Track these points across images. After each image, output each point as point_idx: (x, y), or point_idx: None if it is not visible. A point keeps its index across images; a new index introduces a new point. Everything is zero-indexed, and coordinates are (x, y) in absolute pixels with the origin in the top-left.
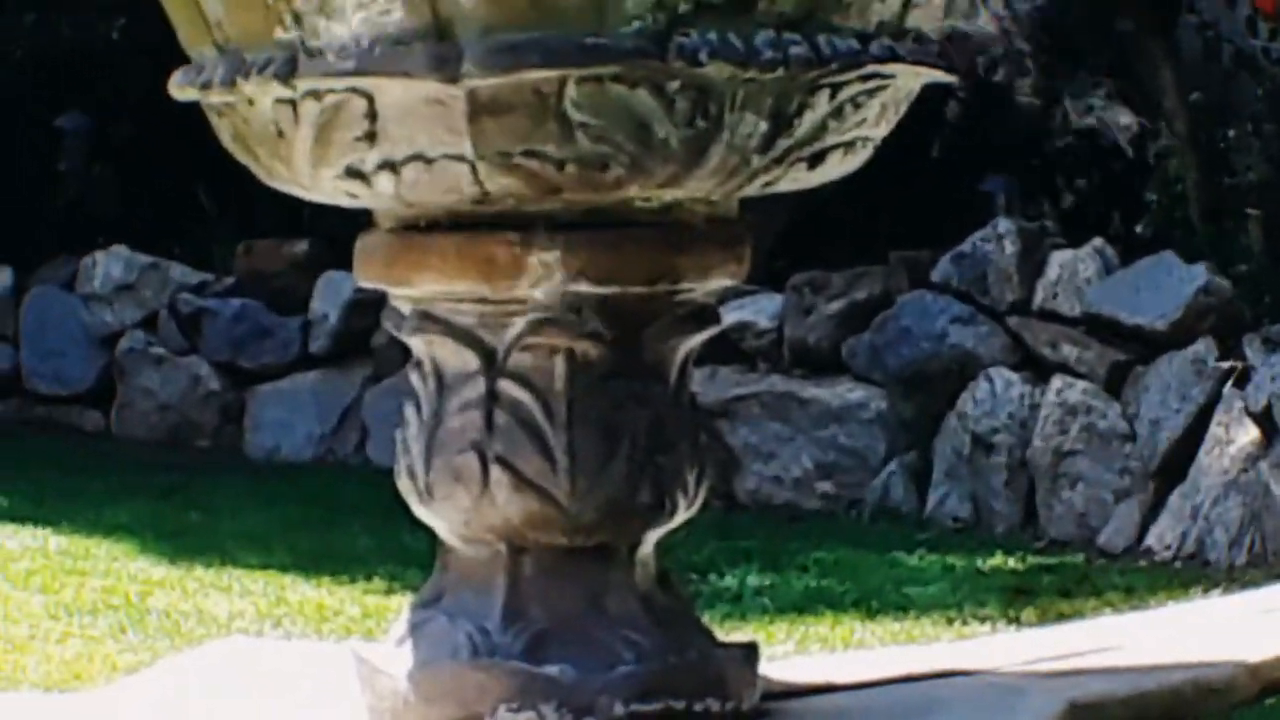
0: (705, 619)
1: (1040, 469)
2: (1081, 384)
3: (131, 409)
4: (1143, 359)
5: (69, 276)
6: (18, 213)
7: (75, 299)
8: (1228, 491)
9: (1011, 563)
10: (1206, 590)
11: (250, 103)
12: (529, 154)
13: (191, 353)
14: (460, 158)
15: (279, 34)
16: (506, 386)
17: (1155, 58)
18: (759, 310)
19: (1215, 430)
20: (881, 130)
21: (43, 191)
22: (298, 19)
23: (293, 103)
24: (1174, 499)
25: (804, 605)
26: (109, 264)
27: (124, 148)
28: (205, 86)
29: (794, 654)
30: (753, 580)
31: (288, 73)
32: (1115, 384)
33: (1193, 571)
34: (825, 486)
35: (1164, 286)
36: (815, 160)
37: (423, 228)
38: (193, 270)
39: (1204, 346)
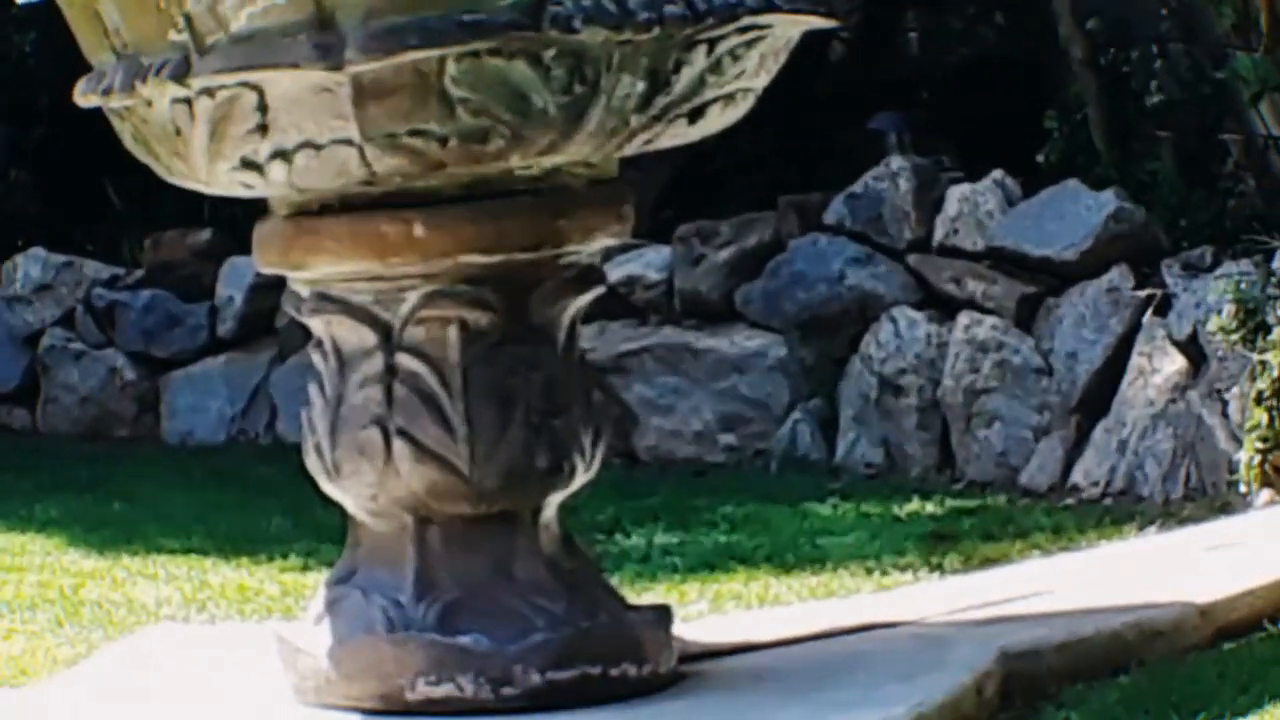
0: (614, 581)
1: (953, 409)
2: (990, 319)
3: (55, 404)
4: (1053, 291)
5: None
6: None
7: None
8: (1156, 424)
9: (930, 507)
10: (1141, 528)
11: (149, 104)
12: (413, 133)
13: (108, 346)
14: (348, 142)
15: (172, 36)
16: (403, 360)
17: None
18: (647, 263)
19: (1138, 360)
20: (762, 80)
21: None
22: (189, 21)
23: (188, 101)
24: (1098, 433)
25: (715, 562)
26: (28, 265)
27: (37, 153)
28: (106, 92)
29: (708, 613)
30: (660, 539)
31: (182, 73)
32: (1025, 318)
33: (1124, 508)
34: (729, 439)
35: (1071, 216)
36: (695, 115)
37: (315, 212)
38: (105, 266)
39: (1118, 275)
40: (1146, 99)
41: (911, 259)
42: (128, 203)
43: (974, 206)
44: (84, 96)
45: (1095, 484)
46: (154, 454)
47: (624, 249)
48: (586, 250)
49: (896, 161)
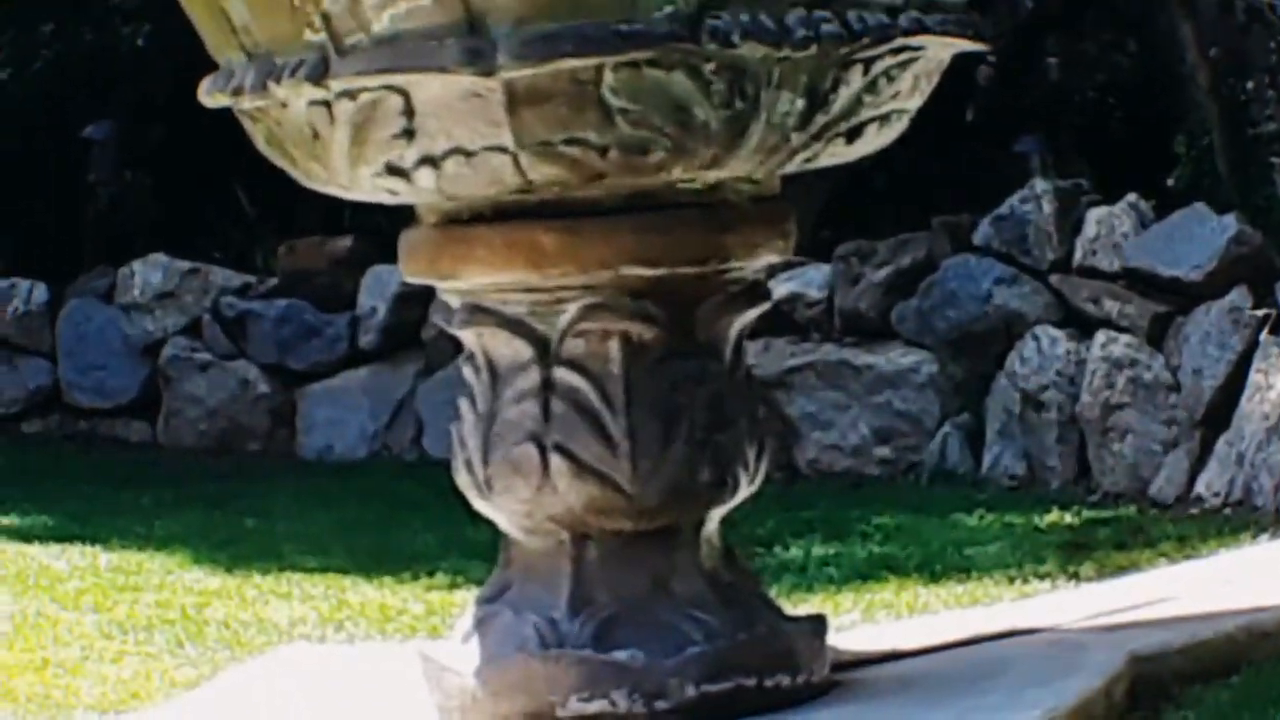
0: (772, 593)
1: (1090, 423)
2: (1125, 338)
3: (178, 417)
4: (1181, 310)
5: (107, 288)
6: (50, 227)
7: (114, 310)
8: (1270, 437)
9: (1068, 518)
10: (1255, 536)
11: (283, 106)
12: (570, 142)
13: (238, 357)
14: (501, 149)
15: (308, 36)
16: (562, 374)
17: (1174, 13)
18: (808, 282)
19: (1255, 377)
20: (915, 101)
21: (74, 204)
22: (326, 20)
23: (327, 103)
24: (1220, 446)
25: (868, 573)
26: (147, 272)
27: (155, 154)
28: (236, 92)
29: (860, 622)
30: (817, 551)
31: (320, 74)
32: (1157, 336)
33: (1241, 518)
34: (883, 452)
35: (1197, 238)
36: (852, 135)
37: (466, 220)
38: (234, 273)
39: (1238, 295)
40: (1261, 127)
41: (1053, 279)
42: (260, 208)
43: (1110, 229)
44: (211, 96)
45: (1217, 495)
46: (289, 469)
47: (786, 266)
48: (751, 266)
49: (1039, 184)
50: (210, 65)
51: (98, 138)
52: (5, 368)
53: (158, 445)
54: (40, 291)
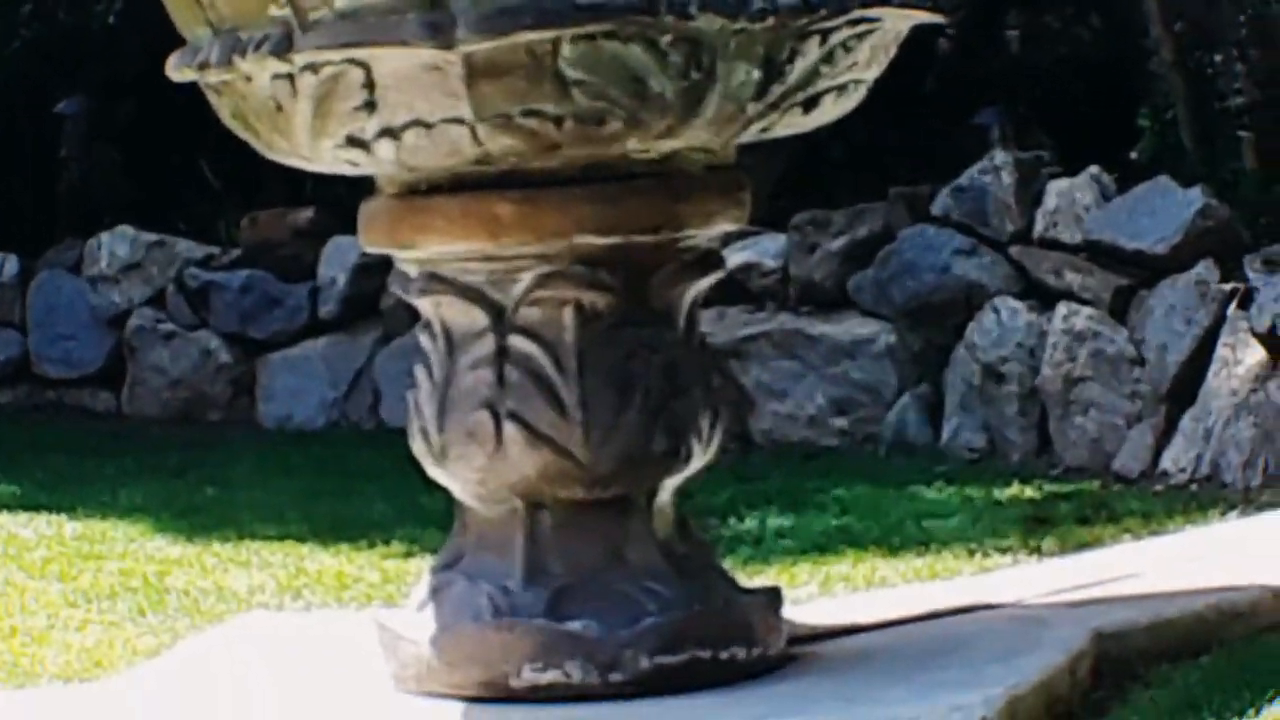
0: (727, 564)
1: (1051, 396)
2: (1087, 310)
3: (143, 387)
4: (1145, 283)
5: (75, 260)
6: (21, 200)
7: (82, 282)
8: (1238, 413)
9: (1029, 492)
10: (1224, 513)
11: (248, 80)
12: (528, 113)
13: (201, 327)
14: (460, 120)
15: (272, 11)
16: (516, 341)
17: None
18: (763, 251)
19: (1222, 352)
20: (873, 72)
21: (46, 178)
22: None
23: (290, 77)
24: (1186, 421)
25: (826, 545)
26: (114, 244)
27: (125, 129)
28: (202, 67)
29: (818, 596)
30: (773, 522)
31: (284, 48)
32: (1120, 309)
33: (1209, 494)
34: (840, 423)
35: (1161, 211)
36: (809, 105)
37: (425, 191)
38: (198, 245)
39: (1204, 269)
40: (1230, 101)
41: (1013, 250)
42: (224, 181)
43: (1071, 201)
44: (178, 71)
45: (1183, 470)
46: (250, 439)
47: (741, 236)
48: (705, 235)
49: (999, 156)
50: (179, 42)
51: (69, 113)
52: None
53: (122, 415)
54: (12, 264)
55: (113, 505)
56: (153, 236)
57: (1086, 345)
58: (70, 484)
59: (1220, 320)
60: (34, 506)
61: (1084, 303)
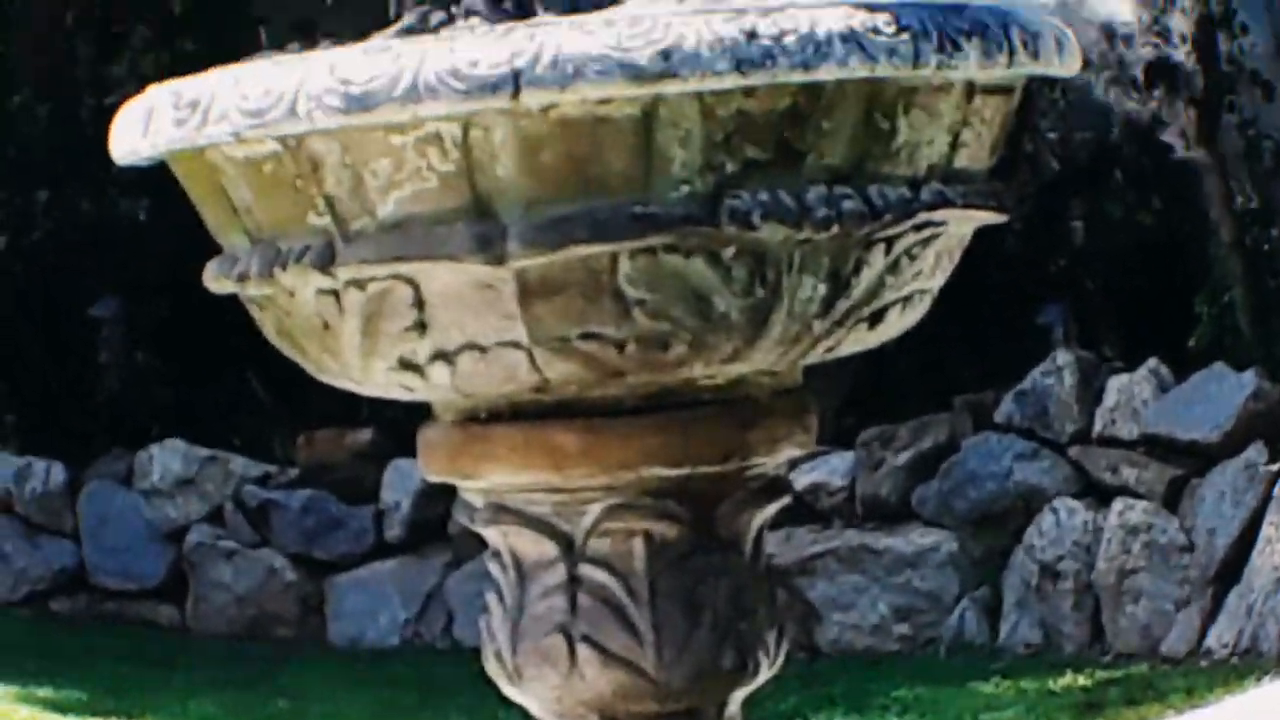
0: None
1: (1105, 588)
2: (1142, 504)
3: (207, 603)
4: (1198, 471)
5: (125, 471)
6: (62, 405)
7: (135, 494)
8: (1278, 586)
9: (1081, 680)
10: (1259, 680)
11: (291, 294)
12: (587, 336)
13: (263, 545)
14: (516, 344)
15: (312, 219)
16: (587, 571)
17: (1201, 167)
18: (831, 470)
19: (1267, 530)
20: (938, 280)
21: (84, 382)
22: (330, 203)
23: (335, 293)
24: (1231, 599)
25: None
26: (166, 458)
27: (161, 333)
28: (242, 278)
29: None
30: None
31: (326, 261)
32: (1173, 499)
33: (1248, 665)
34: (902, 628)
35: (1215, 398)
36: (875, 319)
37: (484, 419)
38: (253, 462)
39: (1255, 451)
40: None
41: (1073, 451)
42: (274, 394)
43: (1130, 396)
44: (216, 281)
45: (1225, 646)
46: (320, 655)
47: (809, 457)
48: (772, 462)
49: (1061, 356)
50: (213, 242)
51: (105, 316)
52: (27, 546)
53: (186, 629)
54: (58, 471)
55: (183, 714)
56: (205, 452)
57: (1140, 537)
58: (138, 693)
59: (1267, 500)
60: (102, 712)
61: (1139, 496)
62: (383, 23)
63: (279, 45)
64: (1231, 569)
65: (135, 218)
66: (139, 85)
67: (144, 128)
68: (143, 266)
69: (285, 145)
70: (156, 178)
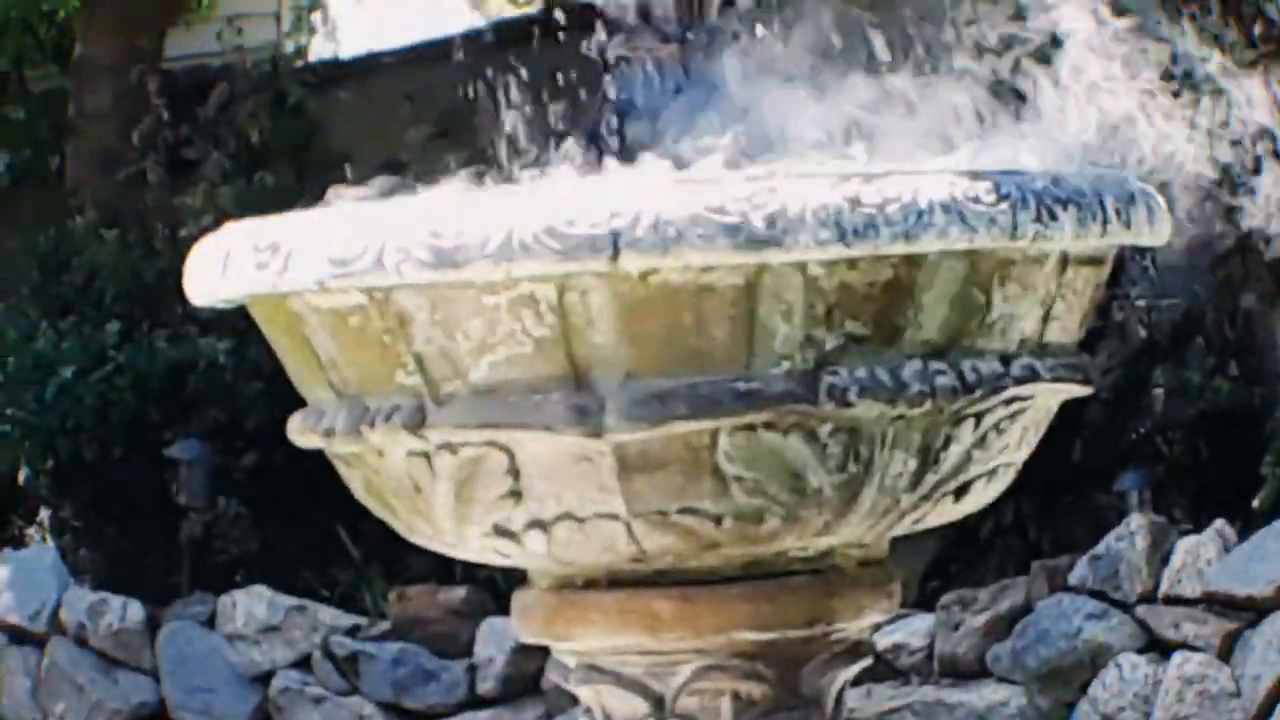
0: None
1: None
2: (1199, 656)
3: None
4: (1251, 624)
5: (207, 614)
6: (143, 546)
7: (217, 637)
8: None
9: None
10: None
11: (380, 454)
12: (685, 511)
13: (352, 693)
14: (613, 516)
15: (400, 378)
16: None
17: (1274, 327)
18: (912, 631)
19: None
20: (1022, 454)
21: (161, 522)
22: (420, 361)
23: (426, 455)
24: None
25: None
26: (251, 604)
27: (247, 480)
28: (328, 434)
29: None
30: None
31: (417, 423)
32: (1227, 650)
33: None
34: None
35: (1273, 555)
36: (960, 492)
37: (580, 585)
38: (342, 613)
39: None
40: None
41: (1139, 610)
42: (364, 549)
43: (1196, 556)
44: (302, 434)
45: None
46: None
47: (892, 618)
48: (856, 626)
49: (1135, 521)
50: (296, 393)
51: (185, 458)
52: (105, 680)
53: None
54: (135, 609)
55: None
56: (291, 600)
57: (1194, 687)
58: None
59: None
60: None
61: (1196, 649)
62: (474, 158)
63: (364, 180)
64: (1268, 711)
65: (214, 358)
66: (215, 217)
67: (222, 268)
68: (223, 409)
69: (372, 298)
70: (237, 319)
